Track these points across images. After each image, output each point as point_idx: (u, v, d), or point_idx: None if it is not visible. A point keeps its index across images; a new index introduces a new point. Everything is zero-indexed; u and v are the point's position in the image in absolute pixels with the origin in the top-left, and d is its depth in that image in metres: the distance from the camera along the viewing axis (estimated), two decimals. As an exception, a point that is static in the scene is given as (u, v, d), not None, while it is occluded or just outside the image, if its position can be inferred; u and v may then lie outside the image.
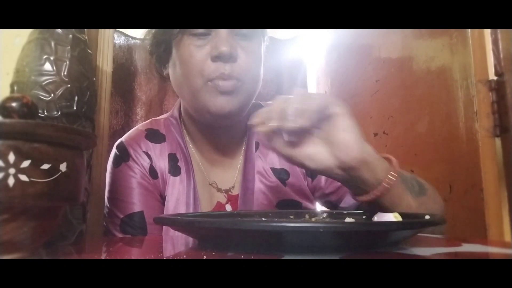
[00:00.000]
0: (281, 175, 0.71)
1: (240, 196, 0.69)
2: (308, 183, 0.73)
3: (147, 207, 0.66)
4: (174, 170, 0.69)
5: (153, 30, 0.69)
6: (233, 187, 0.72)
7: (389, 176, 0.48)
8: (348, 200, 0.70)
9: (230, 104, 0.62)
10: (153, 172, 0.68)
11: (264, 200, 0.69)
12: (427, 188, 0.55)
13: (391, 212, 0.44)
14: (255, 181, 0.70)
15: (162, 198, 0.68)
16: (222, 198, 0.71)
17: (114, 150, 0.70)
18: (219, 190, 0.71)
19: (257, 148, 0.73)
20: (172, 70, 0.68)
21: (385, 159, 0.50)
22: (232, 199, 0.71)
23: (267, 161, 0.72)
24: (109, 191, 0.67)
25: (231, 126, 0.70)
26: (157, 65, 0.72)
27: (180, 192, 0.67)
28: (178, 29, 0.63)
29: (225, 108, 0.62)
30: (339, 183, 0.68)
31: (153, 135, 0.72)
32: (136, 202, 0.66)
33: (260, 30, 0.66)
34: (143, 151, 0.69)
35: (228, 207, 0.70)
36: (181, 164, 0.69)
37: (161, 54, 0.69)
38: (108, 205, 0.66)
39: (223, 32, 0.61)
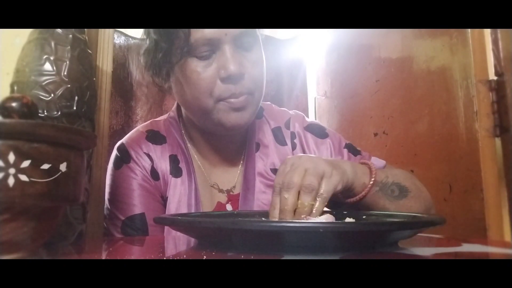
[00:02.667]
0: None
1: (240, 196, 0.69)
2: None
3: (149, 209, 0.66)
4: (176, 171, 0.69)
5: (150, 48, 0.66)
6: (234, 187, 0.72)
7: (370, 181, 0.57)
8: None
9: (244, 118, 0.64)
10: (154, 173, 0.68)
11: (265, 200, 0.69)
12: (408, 190, 0.61)
13: (370, 210, 0.57)
14: (256, 182, 0.70)
15: (163, 200, 0.68)
16: (222, 198, 0.71)
17: (114, 152, 0.70)
18: (221, 191, 0.71)
19: (257, 149, 0.73)
20: (176, 88, 0.67)
21: (365, 166, 0.60)
22: (232, 199, 0.71)
23: (268, 162, 0.72)
24: (110, 193, 0.67)
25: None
26: (156, 79, 0.70)
27: (182, 193, 0.67)
28: (180, 53, 0.61)
29: (240, 122, 0.64)
30: None
31: (154, 137, 0.72)
32: (137, 204, 0.65)
33: (257, 33, 0.66)
34: (144, 153, 0.69)
35: (229, 207, 0.70)
36: (182, 165, 0.69)
37: (160, 72, 0.68)
38: (108, 206, 0.66)
39: (227, 50, 0.60)
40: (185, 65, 0.62)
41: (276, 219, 0.50)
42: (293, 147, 0.74)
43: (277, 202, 0.51)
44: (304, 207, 0.49)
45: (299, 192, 0.50)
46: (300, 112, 0.81)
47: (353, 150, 0.74)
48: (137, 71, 1.06)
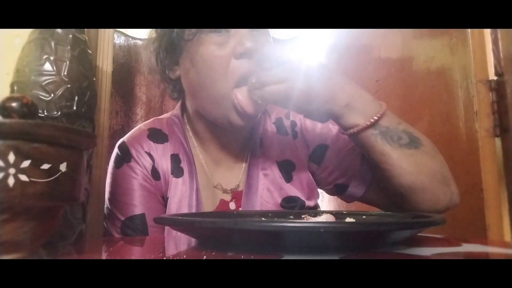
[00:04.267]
0: (286, 167, 0.70)
1: (244, 193, 0.68)
2: (314, 169, 0.72)
3: (149, 209, 0.65)
4: (177, 171, 0.68)
5: (160, 33, 0.67)
6: (238, 185, 0.71)
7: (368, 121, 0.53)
8: (357, 184, 0.68)
9: (251, 121, 0.64)
10: (155, 173, 0.67)
11: (269, 198, 0.68)
12: (422, 144, 0.55)
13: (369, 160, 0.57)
14: (259, 178, 0.69)
15: (164, 200, 0.68)
16: (226, 196, 0.70)
17: (115, 150, 0.69)
18: (225, 191, 0.71)
19: (261, 144, 0.72)
20: (186, 71, 0.65)
21: (381, 104, 0.55)
22: (236, 196, 0.70)
23: (272, 155, 0.71)
24: (110, 192, 0.66)
25: None
26: (164, 70, 0.69)
27: (183, 194, 0.67)
28: (195, 29, 0.60)
29: (246, 123, 0.63)
30: (346, 164, 0.68)
31: (156, 135, 0.71)
32: (138, 204, 0.65)
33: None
34: (145, 152, 0.68)
35: (232, 205, 0.70)
36: (183, 165, 0.69)
37: (170, 59, 0.67)
38: (108, 206, 0.66)
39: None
40: (199, 42, 0.60)
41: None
42: (294, 135, 0.73)
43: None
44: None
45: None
46: None
47: None
48: (137, 70, 1.06)
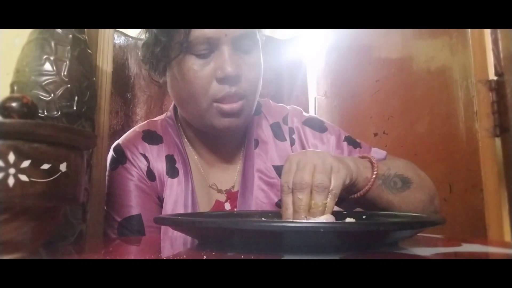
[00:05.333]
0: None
1: (239, 194, 0.69)
2: None
3: (145, 209, 0.66)
4: (172, 172, 0.68)
5: (149, 42, 0.66)
6: (233, 186, 0.72)
7: (371, 178, 0.56)
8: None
9: (236, 123, 0.64)
10: (150, 174, 0.68)
11: (264, 198, 0.68)
12: (411, 181, 0.60)
13: (372, 208, 0.58)
14: (255, 179, 0.69)
15: (160, 201, 0.68)
16: (221, 197, 0.71)
17: (111, 152, 0.70)
18: (219, 191, 0.71)
19: (256, 146, 0.72)
20: (172, 84, 0.67)
21: (366, 159, 0.59)
22: (231, 197, 0.70)
23: (267, 158, 0.71)
24: (106, 194, 0.66)
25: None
26: (152, 73, 0.70)
27: (178, 194, 0.67)
28: (179, 49, 0.61)
29: (232, 127, 0.64)
30: None
31: (150, 137, 0.71)
32: (134, 205, 0.65)
33: (257, 37, 0.65)
34: (140, 153, 0.68)
35: (227, 206, 0.70)
36: (179, 165, 0.69)
37: (157, 67, 0.68)
38: (105, 207, 0.66)
39: (225, 50, 0.60)
40: (182, 62, 0.62)
41: (291, 220, 0.49)
42: (292, 142, 0.74)
43: (289, 202, 0.50)
44: (318, 207, 0.48)
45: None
46: (298, 107, 0.80)
47: (352, 143, 0.73)
48: (137, 70, 1.06)
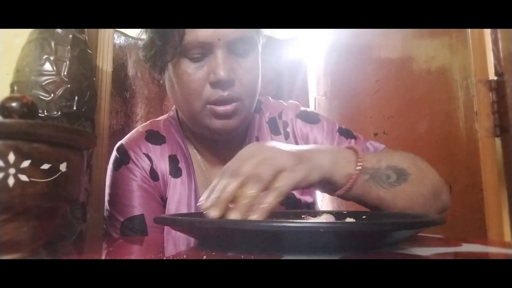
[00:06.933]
0: None
1: None
2: None
3: (148, 210, 0.66)
4: (175, 171, 0.69)
5: (148, 45, 0.67)
6: None
7: (355, 170, 0.50)
8: None
9: (230, 125, 0.63)
10: (153, 174, 0.68)
11: None
12: (409, 173, 0.53)
13: (361, 205, 0.52)
14: None
15: (163, 201, 0.68)
16: None
17: (114, 153, 0.70)
18: None
19: None
20: (169, 85, 0.67)
21: (350, 150, 0.52)
22: None
23: None
24: (109, 194, 0.67)
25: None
26: (153, 73, 0.71)
27: (182, 194, 0.67)
28: (173, 52, 0.61)
29: (226, 129, 0.63)
30: None
31: (153, 137, 0.71)
32: (137, 205, 0.65)
33: (255, 40, 0.65)
34: (144, 153, 0.69)
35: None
36: (181, 165, 0.69)
37: (155, 68, 0.68)
38: (108, 208, 0.66)
39: (219, 54, 0.60)
40: (177, 65, 0.62)
41: (205, 204, 0.42)
42: (286, 136, 0.73)
43: (214, 186, 0.44)
44: (244, 198, 0.41)
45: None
46: (296, 102, 0.80)
47: (345, 134, 0.71)
48: (137, 70, 1.06)
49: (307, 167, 0.46)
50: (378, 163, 0.52)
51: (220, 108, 0.61)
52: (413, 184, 0.53)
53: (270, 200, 0.41)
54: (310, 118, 0.74)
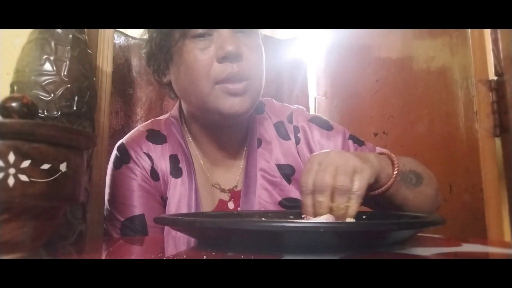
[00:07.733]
0: (286, 171, 0.71)
1: (242, 193, 0.69)
2: None
3: (148, 209, 0.65)
4: (176, 171, 0.68)
5: (150, 38, 0.67)
6: (236, 185, 0.71)
7: (393, 175, 0.54)
8: None
9: (241, 105, 0.62)
10: (154, 174, 0.68)
11: (267, 197, 0.68)
12: (423, 177, 0.60)
13: (385, 205, 0.57)
14: (257, 178, 0.69)
15: (163, 201, 0.68)
16: (225, 196, 0.71)
17: (114, 152, 0.70)
18: (223, 190, 0.71)
19: (259, 145, 0.72)
20: (175, 77, 0.67)
21: (385, 155, 0.57)
22: (234, 196, 0.70)
23: (271, 158, 0.71)
24: (110, 194, 0.66)
25: (235, 124, 0.70)
26: (156, 74, 0.71)
27: (182, 194, 0.67)
28: (178, 35, 0.62)
29: (237, 109, 0.62)
30: None
31: (154, 136, 0.71)
32: (137, 205, 0.65)
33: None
34: (144, 153, 0.68)
35: (231, 205, 0.70)
36: (182, 165, 0.69)
37: (160, 64, 0.68)
38: (108, 207, 0.66)
39: (225, 31, 0.61)
40: (183, 47, 0.62)
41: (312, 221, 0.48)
42: (297, 141, 0.73)
43: (308, 203, 0.49)
44: (339, 209, 0.47)
45: (332, 193, 0.48)
46: (301, 107, 0.80)
47: (357, 141, 0.73)
48: (137, 70, 1.06)
49: (370, 165, 0.51)
50: (404, 167, 0.58)
51: (231, 86, 0.61)
52: (425, 187, 0.60)
53: (355, 206, 0.48)
54: (323, 125, 0.74)
